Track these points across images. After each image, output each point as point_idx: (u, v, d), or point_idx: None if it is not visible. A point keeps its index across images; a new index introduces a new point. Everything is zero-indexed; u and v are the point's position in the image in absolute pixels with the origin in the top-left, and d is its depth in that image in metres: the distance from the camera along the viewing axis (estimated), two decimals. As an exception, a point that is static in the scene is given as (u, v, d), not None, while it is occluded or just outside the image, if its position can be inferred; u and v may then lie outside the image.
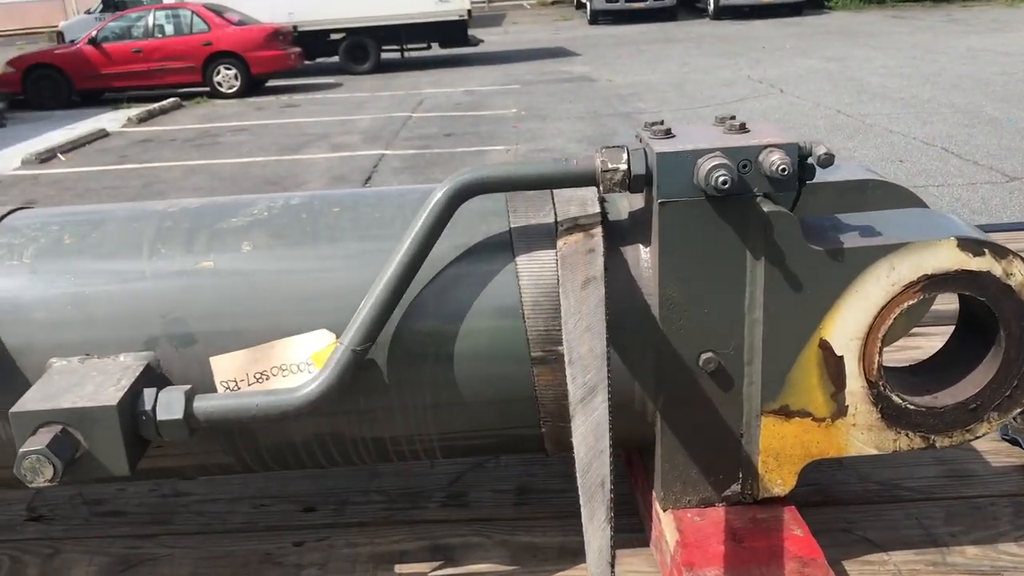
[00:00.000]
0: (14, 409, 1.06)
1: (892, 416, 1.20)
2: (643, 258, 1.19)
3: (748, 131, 1.16)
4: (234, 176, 9.45)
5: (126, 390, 1.08)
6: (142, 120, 13.83)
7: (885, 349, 1.19)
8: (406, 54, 20.02)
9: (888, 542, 1.34)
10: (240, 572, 1.35)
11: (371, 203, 1.28)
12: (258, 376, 1.17)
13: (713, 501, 1.24)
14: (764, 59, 17.34)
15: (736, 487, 1.24)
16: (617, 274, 1.18)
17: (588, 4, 28.94)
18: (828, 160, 1.11)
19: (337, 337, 1.15)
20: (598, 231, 1.17)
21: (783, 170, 1.08)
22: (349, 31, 18.62)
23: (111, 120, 13.88)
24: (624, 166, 1.13)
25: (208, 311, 1.18)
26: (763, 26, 24.18)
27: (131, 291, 1.19)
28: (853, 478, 1.51)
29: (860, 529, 1.37)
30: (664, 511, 1.25)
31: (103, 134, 12.68)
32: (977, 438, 1.23)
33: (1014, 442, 1.55)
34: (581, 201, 1.23)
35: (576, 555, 1.35)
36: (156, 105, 14.68)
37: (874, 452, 1.22)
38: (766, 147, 1.10)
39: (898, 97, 12.23)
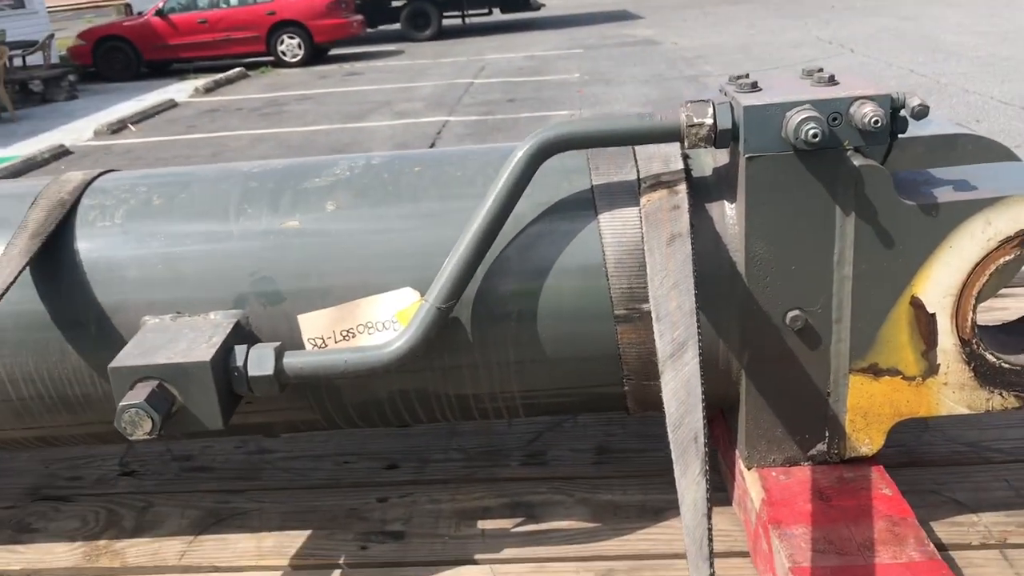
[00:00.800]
0: (113, 364, 1.09)
1: (985, 375, 1.17)
2: (728, 215, 1.17)
3: (838, 83, 1.13)
4: (300, 144, 9.54)
5: (218, 347, 1.10)
6: (209, 90, 14.02)
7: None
8: (467, 20, 19.92)
9: (977, 503, 1.31)
10: (327, 525, 1.38)
11: (453, 162, 1.29)
12: (344, 334, 1.18)
13: (798, 460, 1.23)
14: (834, 19, 16.88)
15: (822, 446, 1.22)
16: (702, 231, 1.16)
17: (651, -35, 28.45)
18: (923, 112, 1.08)
19: (422, 295, 1.16)
20: (682, 187, 1.16)
21: (876, 122, 1.05)
22: (410, -3, 18.59)
23: (179, 91, 14.09)
24: (710, 120, 1.11)
25: (295, 270, 1.19)
26: (832, -16, 23.51)
27: (220, 251, 1.21)
28: (940, 440, 1.48)
29: (948, 490, 1.35)
30: (748, 470, 1.24)
31: (171, 104, 12.89)
32: (1075, 398, 1.19)
33: (1110, 404, 1.50)
34: (664, 158, 1.21)
35: (658, 513, 1.35)
36: (222, 75, 14.86)
37: (966, 411, 1.19)
38: (858, 99, 1.07)
39: (974, 55, 11.80)
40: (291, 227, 1.21)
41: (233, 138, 10.15)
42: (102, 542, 1.39)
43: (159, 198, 1.26)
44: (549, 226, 1.19)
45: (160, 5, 16.39)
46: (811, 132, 1.04)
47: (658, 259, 1.09)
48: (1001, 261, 1.12)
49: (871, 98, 1.07)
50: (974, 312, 1.15)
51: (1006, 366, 1.17)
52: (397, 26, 18.95)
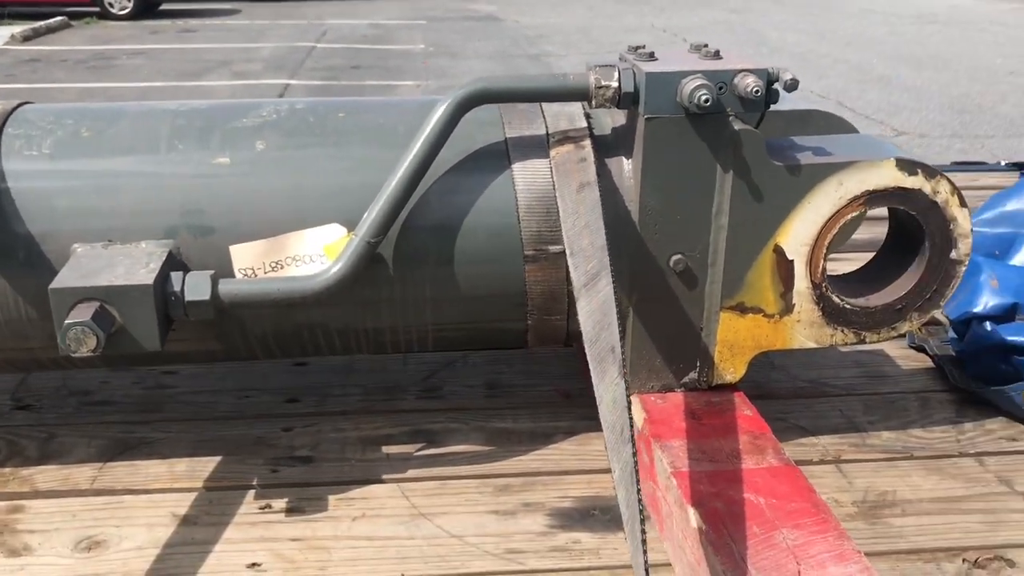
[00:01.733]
0: (53, 286, 1.13)
1: (831, 314, 1.38)
2: (625, 170, 1.33)
3: (722, 58, 1.30)
4: (136, 100, 9.16)
5: (156, 272, 1.16)
6: (27, 39, 13.13)
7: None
8: (308, -17, 19.47)
9: (817, 428, 1.54)
10: (236, 452, 1.46)
11: (374, 110, 1.38)
12: (273, 265, 1.26)
13: (673, 387, 1.41)
14: (668, 8, 17.60)
15: (694, 374, 1.40)
16: (601, 183, 1.31)
17: (493, -58, 28.63)
18: (793, 85, 1.26)
19: (349, 232, 1.25)
20: (588, 142, 1.30)
21: (756, 92, 1.23)
22: (249, -45, 17.99)
23: (-7, 37, 13.14)
24: (615, 83, 1.25)
25: (225, 204, 1.26)
26: (667, -25, 24.42)
27: (151, 183, 1.26)
28: (785, 377, 1.70)
29: (793, 418, 1.56)
30: (631, 395, 1.40)
31: (-14, 51, 12.01)
32: (901, 335, 1.43)
33: (920, 349, 1.77)
34: (569, 116, 1.35)
35: (547, 437, 1.50)
36: (42, 23, 13.94)
37: (814, 345, 1.40)
38: (741, 71, 1.24)
39: (795, 51, 12.64)
40: (222, 163, 1.28)
41: (59, 91, 9.60)
42: (7, 469, 1.41)
43: (87, 131, 1.29)
44: (466, 174, 1.31)
45: (-28, -58, 15.17)
46: (703, 98, 1.21)
47: (569, 204, 1.24)
48: (849, 216, 1.33)
49: (752, 71, 1.24)
50: (825, 260, 1.35)
51: (847, 307, 1.38)
52: (234, -16, 18.31)
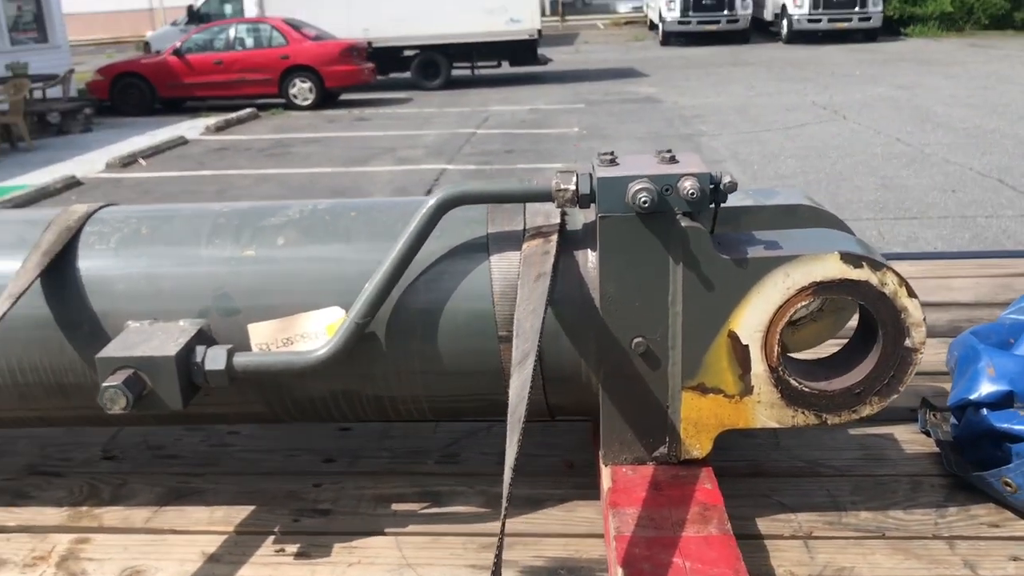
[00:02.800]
0: (99, 355, 1.40)
1: (790, 396, 1.47)
2: (590, 260, 1.49)
3: (676, 162, 1.45)
4: (303, 185, 9.94)
5: (182, 346, 1.41)
6: (219, 129, 14.51)
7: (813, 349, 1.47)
8: (476, 71, 20.51)
9: (798, 505, 1.61)
10: (268, 503, 1.68)
11: (382, 209, 1.61)
12: (284, 341, 1.50)
13: (645, 460, 1.53)
14: (832, 85, 17.39)
15: (663, 449, 1.52)
16: (570, 272, 1.48)
17: (660, 25, 29.19)
18: (732, 187, 1.40)
19: (346, 313, 1.47)
20: (554, 237, 1.48)
21: (693, 194, 1.37)
22: (422, 48, 19.20)
23: (190, 128, 14.59)
24: (573, 187, 1.43)
25: (248, 289, 1.51)
26: (835, 51, 24.14)
27: (190, 272, 1.53)
28: (785, 457, 1.78)
29: (778, 495, 1.64)
30: (605, 466, 1.54)
31: (182, 141, 13.36)
32: (863, 418, 1.49)
33: (928, 433, 1.80)
34: (546, 213, 1.53)
35: (538, 503, 1.65)
36: (233, 115, 15.38)
37: (776, 425, 1.49)
38: (684, 175, 1.39)
39: (961, 127, 12.24)
40: (248, 255, 1.53)
41: (239, 176, 10.56)
42: (84, 508, 1.69)
43: (146, 229, 1.59)
44: (452, 264, 1.51)
45: (177, 45, 16.95)
46: (643, 200, 1.36)
47: (526, 292, 1.41)
48: (799, 305, 1.43)
49: (693, 175, 1.39)
50: (780, 345, 1.45)
51: (806, 390, 1.47)
52: (407, 74, 19.52)
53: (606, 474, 1.52)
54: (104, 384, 1.36)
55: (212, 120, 14.88)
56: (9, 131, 12.86)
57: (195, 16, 21.60)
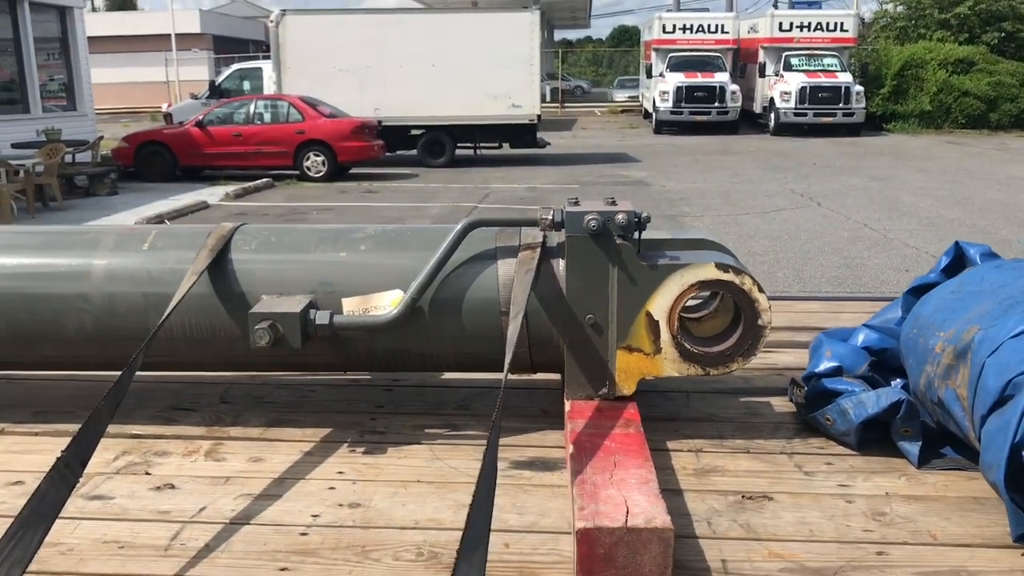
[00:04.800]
0: (251, 311, 2.24)
1: (685, 355, 2.30)
2: (561, 266, 2.34)
3: (616, 204, 2.32)
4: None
5: (302, 308, 2.26)
6: (238, 196, 15.49)
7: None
8: (479, 151, 21.66)
9: (694, 435, 2.42)
10: (342, 427, 2.50)
11: (427, 232, 2.48)
12: (364, 310, 2.34)
13: (593, 396, 2.36)
14: (812, 175, 18.48)
15: (605, 390, 2.35)
16: (547, 273, 2.32)
17: (654, 114, 30.58)
18: (647, 220, 2.26)
19: (404, 293, 2.32)
20: (539, 249, 2.33)
21: (623, 222, 2.23)
22: (428, 128, 20.38)
23: (211, 194, 15.57)
24: (551, 217, 2.29)
25: (342, 277, 2.36)
26: (819, 144, 25.39)
27: (303, 267, 2.39)
28: (691, 411, 2.61)
29: (682, 431, 2.46)
30: (567, 400, 2.36)
31: (204, 206, 14.31)
32: (733, 371, 2.33)
33: (792, 400, 2.63)
34: (533, 235, 2.39)
35: (523, 431, 2.47)
36: (251, 184, 16.39)
37: (676, 374, 2.32)
38: (618, 212, 2.25)
39: (924, 216, 13.24)
40: (342, 257, 2.39)
41: (259, 238, 11.45)
42: (215, 427, 2.51)
43: (274, 238, 2.45)
44: (471, 266, 2.36)
45: (200, 117, 18.04)
46: (592, 225, 2.23)
47: (519, 280, 2.26)
48: (690, 295, 2.28)
49: (625, 211, 2.25)
50: (678, 320, 2.29)
51: (695, 351, 2.31)
52: (414, 152, 20.64)
53: (568, 405, 2.35)
54: (256, 328, 2.20)
55: (231, 188, 15.90)
56: (42, 192, 13.81)
57: (216, 91, 22.95)
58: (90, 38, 20.65)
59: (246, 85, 23.73)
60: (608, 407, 2.32)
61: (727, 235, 11.83)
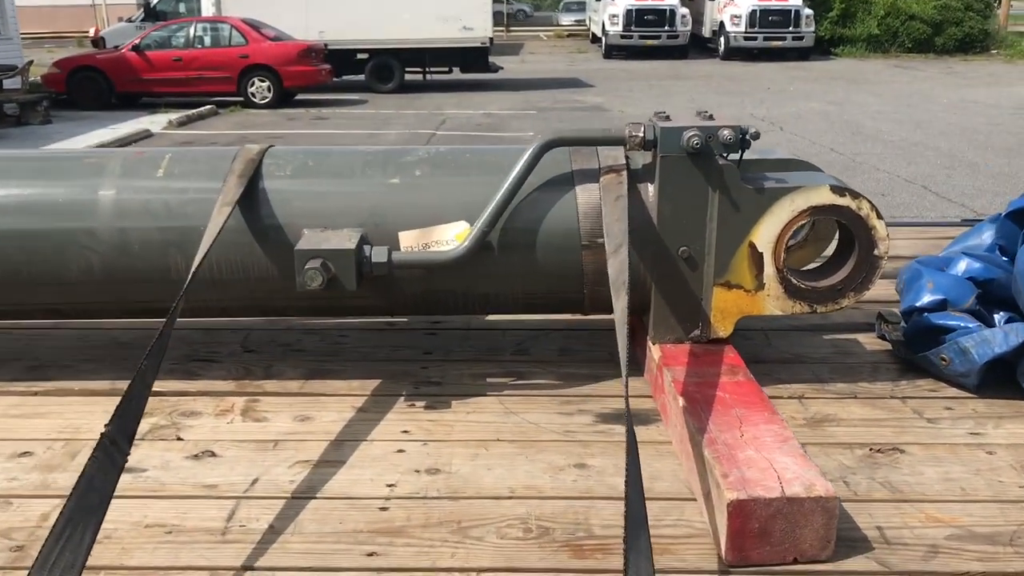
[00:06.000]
0: (298, 247, 1.90)
1: (791, 291, 2.04)
2: (650, 190, 2.04)
3: (713, 119, 2.02)
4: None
5: (356, 243, 1.92)
6: (182, 124, 14.75)
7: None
8: (428, 76, 20.99)
9: (791, 379, 2.18)
10: (392, 377, 2.19)
11: (488, 153, 2.15)
12: (424, 245, 2.01)
13: (683, 339, 2.08)
14: (768, 99, 18.28)
15: (697, 331, 2.08)
16: (634, 199, 2.02)
17: (603, 38, 30.02)
18: (756, 135, 1.96)
19: (470, 225, 2.00)
20: (624, 172, 2.02)
21: (730, 139, 1.93)
22: (376, 52, 19.63)
23: (151, 123, 14.80)
24: (641, 134, 1.98)
25: (396, 207, 2.03)
26: (770, 69, 25.18)
27: (351, 194, 2.04)
28: (777, 352, 2.35)
29: (776, 374, 2.20)
30: (654, 344, 2.09)
31: (147, 135, 13.60)
32: (842, 308, 2.07)
33: (883, 337, 2.39)
34: (615, 156, 2.08)
35: (599, 378, 2.19)
36: (194, 111, 15.62)
37: (780, 313, 2.05)
38: (721, 127, 1.95)
39: (889, 140, 13.14)
40: (394, 183, 2.05)
41: (211, 168, 10.88)
42: (246, 381, 2.18)
43: (312, 162, 2.09)
44: (547, 192, 2.04)
45: (137, 41, 17.11)
46: (695, 142, 1.92)
47: (609, 208, 1.95)
48: (800, 223, 2.00)
49: (730, 126, 1.95)
50: (785, 252, 2.02)
51: (802, 286, 2.04)
52: (362, 77, 19.91)
53: (655, 349, 2.07)
54: (307, 267, 1.87)
55: (173, 115, 15.11)
56: (-31, 120, 12.96)
57: (151, 14, 21.75)
58: (10, -44, 19.35)
59: (182, 7, 22.51)
60: (704, 352, 2.05)
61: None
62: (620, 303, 1.71)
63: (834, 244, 2.23)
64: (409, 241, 2.02)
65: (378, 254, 1.95)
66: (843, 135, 13.61)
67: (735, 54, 28.02)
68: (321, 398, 2.10)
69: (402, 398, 2.09)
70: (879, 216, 2.00)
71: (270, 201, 2.03)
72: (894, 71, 24.96)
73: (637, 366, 2.22)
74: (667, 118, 2.03)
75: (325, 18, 18.71)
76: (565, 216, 2.03)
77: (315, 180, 2.07)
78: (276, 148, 2.15)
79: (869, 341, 2.41)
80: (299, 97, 17.97)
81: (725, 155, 1.97)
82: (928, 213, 8.70)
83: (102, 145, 12.11)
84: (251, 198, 2.03)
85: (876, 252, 2.02)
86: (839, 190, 1.98)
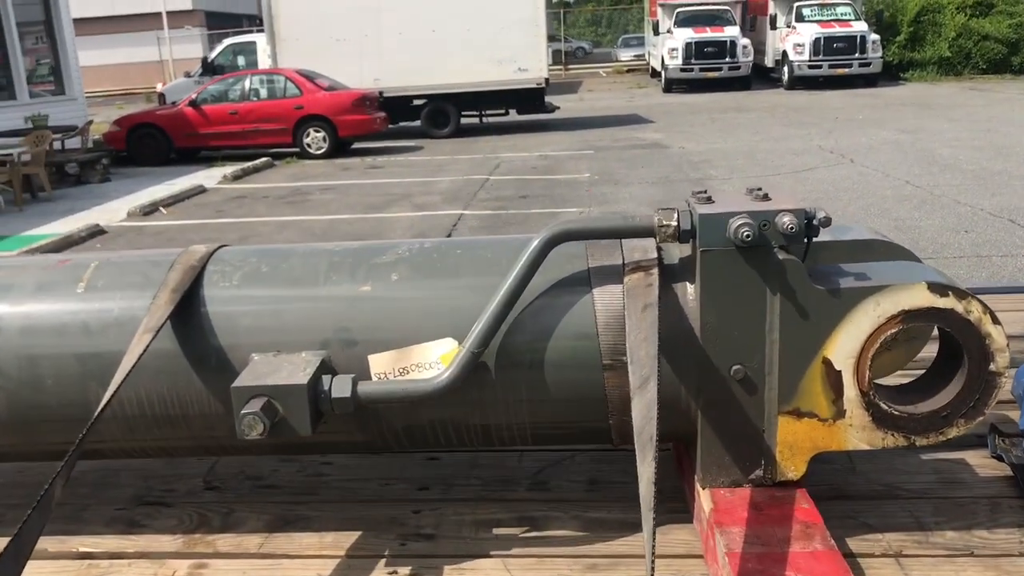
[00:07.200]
0: (235, 385, 1.49)
1: (880, 419, 1.55)
2: (689, 292, 1.58)
3: (769, 199, 1.55)
4: (324, 232, 10.07)
5: (311, 375, 1.50)
6: (236, 178, 14.69)
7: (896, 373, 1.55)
8: (484, 119, 20.76)
9: (883, 526, 1.68)
10: (373, 528, 1.76)
11: (484, 247, 1.71)
12: (400, 371, 1.59)
13: (741, 483, 1.61)
14: (836, 130, 17.59)
15: (759, 472, 1.60)
16: (669, 304, 1.57)
17: (663, 72, 29.58)
18: (826, 222, 1.49)
19: (459, 344, 1.56)
20: (655, 271, 1.57)
21: (792, 229, 1.47)
22: (431, 97, 19.47)
23: (207, 177, 14.78)
24: (675, 223, 1.53)
25: (366, 323, 1.60)
26: (837, 97, 24.43)
27: (311, 308, 1.63)
28: (862, 480, 1.85)
29: (862, 517, 1.71)
30: (703, 489, 1.62)
31: (201, 190, 13.53)
32: (948, 439, 1.58)
33: (999, 458, 1.88)
34: (643, 249, 1.63)
35: (635, 526, 1.72)
36: (249, 164, 15.58)
37: (867, 447, 1.57)
38: (780, 211, 1.49)
39: (968, 169, 12.39)
40: (365, 291, 1.63)
41: (260, 223, 10.69)
42: (197, 535, 1.77)
43: (266, 267, 1.68)
44: (555, 297, 1.60)
45: (193, 96, 17.23)
46: (745, 234, 1.46)
47: (634, 321, 1.50)
48: (888, 333, 1.52)
49: (790, 211, 1.49)
50: (870, 370, 1.54)
51: (896, 412, 1.55)
52: (417, 123, 19.78)
53: (705, 496, 1.60)
54: (243, 412, 1.45)
55: (228, 169, 15.06)
56: (30, 182, 13.05)
57: (209, 68, 21.98)
58: (79, 20, 19.78)
59: (240, 60, 22.70)
60: (769, 502, 1.57)
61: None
62: (647, 468, 1.25)
63: (929, 343, 1.74)
64: (382, 367, 1.59)
65: (340, 387, 1.52)
66: (918, 166, 12.89)
67: (799, 83, 27.33)
68: (283, 561, 1.67)
69: (383, 561, 1.65)
70: (995, 320, 1.51)
71: (211, 319, 1.63)
72: (969, 94, 23.97)
73: (683, 505, 1.75)
74: (708, 199, 1.57)
75: (379, 65, 18.63)
76: (580, 327, 1.59)
77: (268, 290, 1.66)
78: (226, 250, 1.76)
79: (981, 463, 1.90)
80: (355, 146, 17.86)
81: (790, 246, 1.51)
82: (1020, 250, 8.00)
83: (157, 202, 12.05)
84: (189, 316, 1.63)
85: (992, 367, 1.52)
86: (939, 288, 1.50)
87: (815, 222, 1.51)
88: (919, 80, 28.78)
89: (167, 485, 1.98)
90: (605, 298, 1.59)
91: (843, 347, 1.53)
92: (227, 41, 24.50)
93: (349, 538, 1.73)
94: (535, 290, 1.59)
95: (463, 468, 2.00)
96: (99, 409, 1.46)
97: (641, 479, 1.25)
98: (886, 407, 1.55)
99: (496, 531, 1.74)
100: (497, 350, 1.58)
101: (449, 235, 9.57)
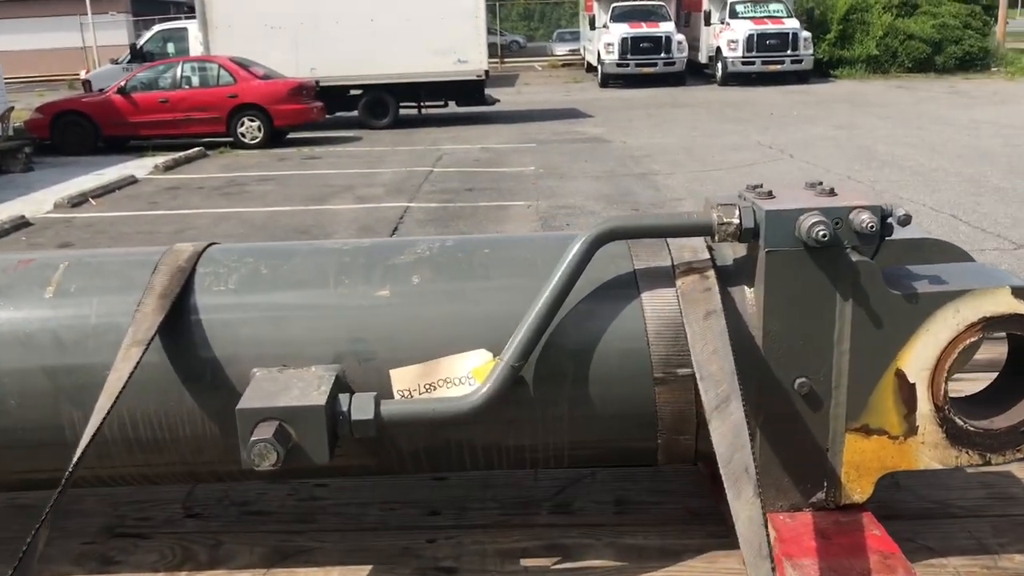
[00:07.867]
0: (240, 406, 1.28)
1: (955, 436, 1.42)
2: (748, 298, 1.43)
3: (837, 195, 1.40)
4: (264, 224, 9.73)
5: (327, 394, 1.31)
6: (168, 168, 14.18)
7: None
8: (423, 111, 20.45)
9: (945, 550, 1.55)
10: (385, 562, 1.56)
11: (515, 245, 1.53)
12: (427, 387, 1.40)
13: (801, 506, 1.46)
14: (771, 126, 17.72)
15: (821, 494, 1.45)
16: (726, 310, 1.41)
17: (599, 67, 29.57)
18: (907, 220, 1.35)
19: (494, 356, 1.38)
20: (712, 273, 1.41)
21: (871, 227, 1.32)
22: (369, 87, 19.09)
23: (138, 167, 14.23)
24: (737, 220, 1.37)
25: (386, 332, 1.41)
26: (770, 93, 24.69)
27: (321, 315, 1.43)
28: (911, 498, 1.72)
29: (921, 539, 1.58)
30: (759, 514, 1.46)
31: (132, 180, 13.01)
32: (1026, 457, 1.45)
33: (1049, 471, 1.77)
34: (693, 248, 1.47)
35: (677, 555, 1.56)
36: (182, 154, 15.05)
37: (939, 467, 1.44)
38: (856, 208, 1.34)
39: (906, 165, 12.56)
40: (382, 296, 1.44)
41: (196, 215, 10.30)
42: (183, 573, 1.55)
43: (266, 268, 1.48)
44: (599, 302, 1.43)
45: (122, 83, 16.61)
46: (820, 233, 1.31)
47: (697, 331, 1.34)
48: (968, 342, 1.39)
49: (867, 207, 1.34)
50: (946, 383, 1.40)
51: (971, 429, 1.42)
52: (355, 113, 19.38)
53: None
54: (253, 439, 1.25)
55: (160, 159, 14.50)
56: (-54, 171, 12.39)
57: (138, 55, 21.19)
58: (-5, 1, 18.88)
59: (171, 47, 21.91)
60: (837, 528, 1.42)
61: (704, 194, 11.03)
62: (746, 506, 1.09)
63: (988, 348, 1.62)
64: (406, 383, 1.40)
65: (360, 408, 1.33)
66: (857, 162, 13.03)
67: (733, 79, 27.56)
68: (286, 603, 1.47)
69: (400, 600, 1.46)
70: (1082, 329, 1.38)
71: (205, 328, 1.41)
72: (897, 92, 24.46)
73: (724, 528, 1.59)
74: (769, 194, 1.41)
75: (316, 55, 18.18)
76: (628, 336, 1.42)
77: (270, 294, 1.45)
78: (216, 249, 1.54)
79: (1030, 475, 1.79)
80: (291, 136, 17.39)
81: (863, 247, 1.36)
82: (963, 246, 8.06)
83: (85, 192, 11.52)
84: (179, 325, 1.41)
85: (1077, 379, 1.40)
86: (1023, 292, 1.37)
87: (891, 220, 1.36)
88: (848, 77, 29.30)
89: (142, 513, 1.76)
90: (655, 303, 1.43)
91: (918, 357, 1.38)
92: (157, 27, 23.72)
93: (358, 573, 1.54)
94: (577, 295, 1.41)
95: (475, 489, 1.81)
96: (91, 435, 1.24)
97: (738, 519, 1.08)
98: (961, 422, 1.41)
99: (524, 562, 1.56)
100: (536, 362, 1.40)
101: (395, 229, 9.33)
